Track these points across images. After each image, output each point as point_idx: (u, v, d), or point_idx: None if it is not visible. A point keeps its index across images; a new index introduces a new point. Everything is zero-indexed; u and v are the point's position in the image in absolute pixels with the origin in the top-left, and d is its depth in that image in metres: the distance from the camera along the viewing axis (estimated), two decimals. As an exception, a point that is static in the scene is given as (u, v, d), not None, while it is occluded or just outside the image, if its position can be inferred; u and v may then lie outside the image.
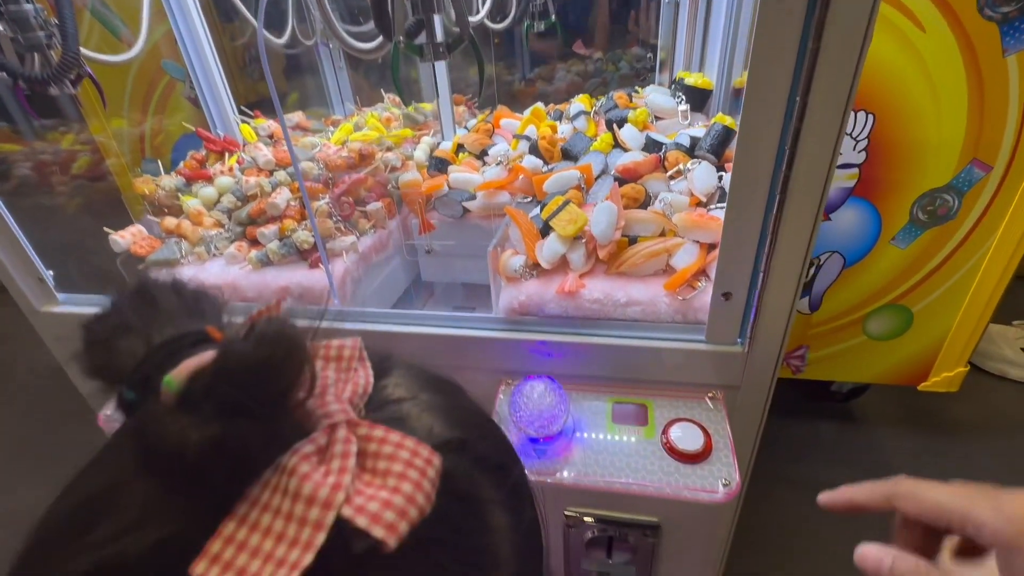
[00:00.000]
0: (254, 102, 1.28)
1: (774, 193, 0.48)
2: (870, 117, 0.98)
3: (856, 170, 1.04)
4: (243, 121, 1.15)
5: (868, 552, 0.31)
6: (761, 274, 0.53)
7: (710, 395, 0.62)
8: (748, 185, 0.49)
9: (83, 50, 0.70)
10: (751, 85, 0.44)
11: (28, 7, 0.65)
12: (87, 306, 0.81)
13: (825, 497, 0.34)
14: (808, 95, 0.43)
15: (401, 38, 0.56)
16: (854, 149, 1.02)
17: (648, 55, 1.64)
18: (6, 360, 1.85)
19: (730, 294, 0.56)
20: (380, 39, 0.63)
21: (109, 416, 0.70)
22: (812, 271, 1.16)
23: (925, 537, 0.30)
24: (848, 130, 1.00)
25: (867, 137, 1.00)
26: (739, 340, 0.59)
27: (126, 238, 0.77)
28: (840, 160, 1.04)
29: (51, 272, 0.80)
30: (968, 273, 1.10)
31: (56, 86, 0.71)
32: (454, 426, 0.24)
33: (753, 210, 0.50)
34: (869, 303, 1.18)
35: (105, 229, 0.78)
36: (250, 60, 1.49)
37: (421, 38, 0.61)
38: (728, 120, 0.74)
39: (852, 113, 0.99)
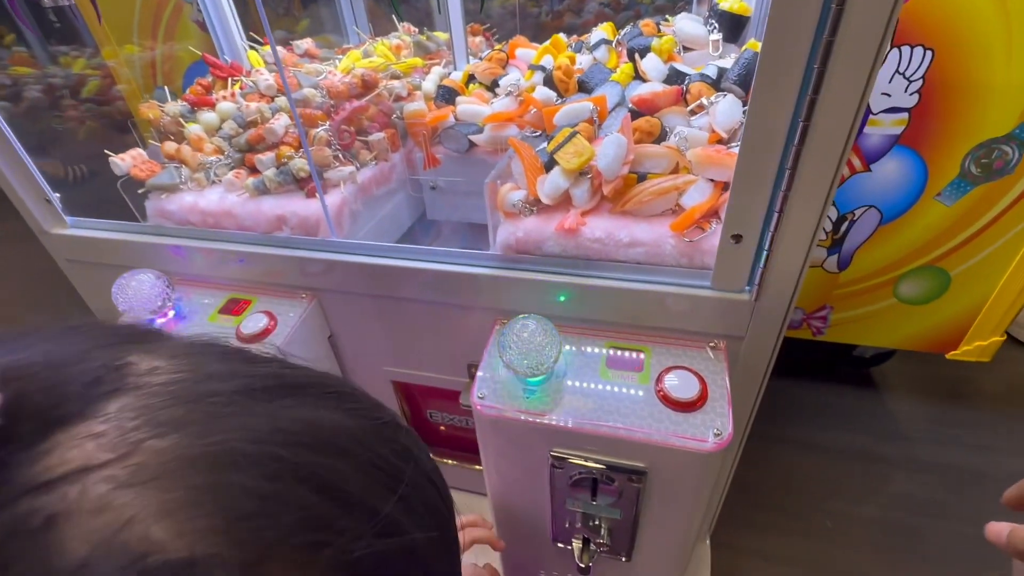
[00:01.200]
0: (278, 39, 1.23)
1: (797, 121, 0.43)
2: (928, 53, 0.88)
3: (906, 115, 0.94)
4: (251, 47, 1.10)
5: (993, 526, 0.37)
6: (776, 214, 0.48)
7: (712, 344, 0.59)
8: (768, 111, 0.44)
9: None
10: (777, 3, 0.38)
11: (11, -95, 0.62)
12: (95, 230, 0.81)
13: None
14: (844, 2, 0.37)
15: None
16: (906, 91, 0.92)
17: (687, -16, 1.50)
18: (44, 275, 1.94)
19: (740, 236, 0.51)
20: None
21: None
22: (844, 227, 1.09)
23: None
24: (901, 68, 0.90)
25: (922, 77, 0.90)
26: (747, 288, 0.55)
27: (126, 161, 0.76)
28: (888, 103, 0.94)
29: (58, 194, 0.80)
30: (1018, 236, 1.01)
31: (48, -5, 0.68)
32: (205, 514, 0.13)
33: (772, 140, 0.45)
34: (904, 263, 1.10)
35: (106, 152, 0.77)
36: None
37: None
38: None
39: (908, 48, 0.88)
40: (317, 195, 0.69)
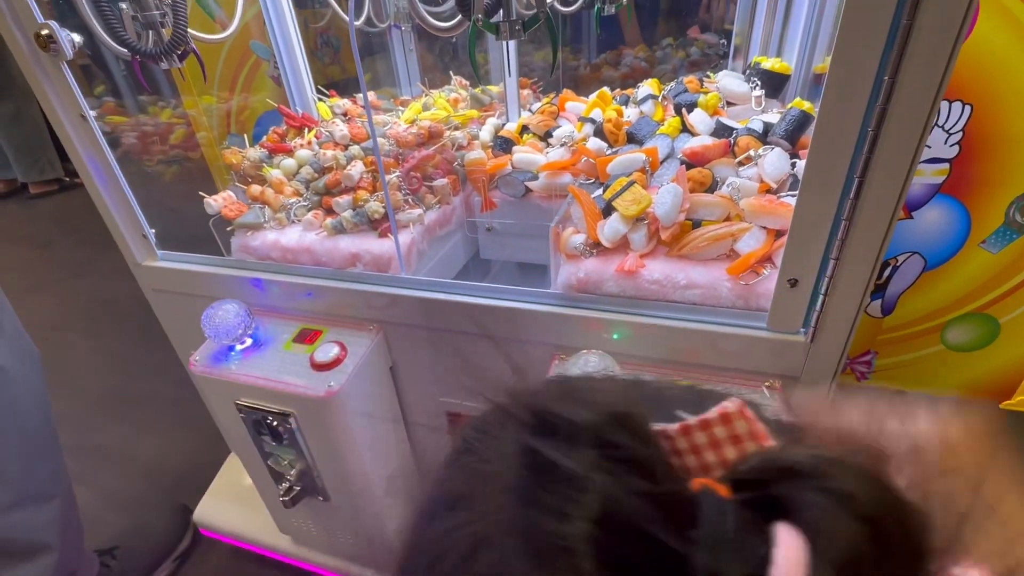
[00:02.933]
0: (323, 84, 1.35)
1: (852, 177, 0.47)
2: (967, 108, 0.91)
3: (946, 165, 0.97)
4: (319, 99, 1.21)
5: None
6: (832, 261, 0.51)
7: (767, 384, 0.61)
8: (825, 167, 0.48)
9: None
10: (837, 57, 0.43)
11: (147, -12, 0.72)
12: (183, 263, 0.89)
13: None
14: (897, 74, 0.41)
15: (480, 16, 0.58)
16: (946, 143, 0.95)
17: (722, 41, 1.58)
18: (107, 305, 2.06)
19: (796, 281, 0.54)
20: (458, 18, 0.66)
21: (198, 361, 0.77)
22: (887, 272, 1.10)
23: None
24: (940, 122, 0.93)
25: (961, 130, 0.93)
26: (802, 329, 0.58)
27: (218, 201, 0.84)
28: (928, 154, 0.97)
29: (153, 230, 0.89)
30: (1070, 284, 1.00)
31: (167, 61, 0.78)
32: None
33: (829, 193, 0.48)
34: (950, 310, 1.10)
35: (200, 193, 0.85)
36: (321, 44, 1.56)
37: (497, 17, 0.63)
38: (806, 105, 0.71)
39: (946, 103, 0.92)
40: (391, 235, 0.75)
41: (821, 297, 0.54)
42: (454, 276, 0.96)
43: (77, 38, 0.74)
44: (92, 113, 0.78)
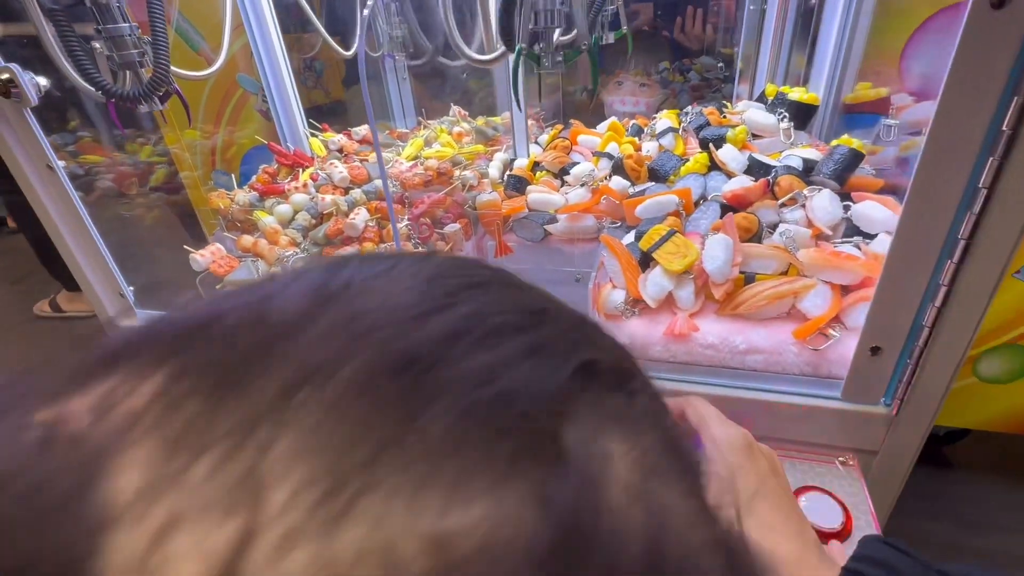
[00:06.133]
0: (306, 109, 1.28)
1: (955, 238, 0.41)
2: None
3: (977, 194, 0.93)
4: (312, 134, 1.14)
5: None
6: (925, 329, 0.45)
7: (841, 459, 0.54)
8: (922, 227, 0.41)
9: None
10: (943, 105, 0.37)
11: (124, 26, 0.65)
12: (163, 323, 0.80)
13: None
14: (1020, 123, 0.35)
15: (523, 46, 0.52)
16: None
17: (720, 64, 1.56)
18: (84, 344, 1.93)
19: (880, 349, 0.48)
20: (501, 50, 0.60)
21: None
22: (916, 304, 1.05)
23: None
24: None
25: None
26: (884, 400, 0.51)
27: (205, 257, 0.76)
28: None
29: (132, 288, 0.80)
30: (1105, 313, 0.96)
31: (147, 103, 0.70)
32: None
33: (925, 257, 0.42)
34: (983, 342, 1.05)
35: (185, 247, 0.77)
36: (304, 68, 1.50)
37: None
38: (855, 143, 0.66)
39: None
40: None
41: (910, 367, 0.47)
42: (466, 326, 0.88)
43: (43, 82, 0.66)
44: (61, 164, 0.69)
